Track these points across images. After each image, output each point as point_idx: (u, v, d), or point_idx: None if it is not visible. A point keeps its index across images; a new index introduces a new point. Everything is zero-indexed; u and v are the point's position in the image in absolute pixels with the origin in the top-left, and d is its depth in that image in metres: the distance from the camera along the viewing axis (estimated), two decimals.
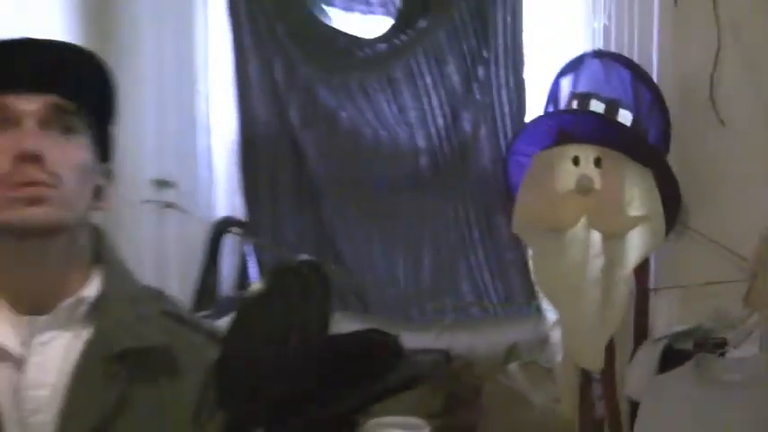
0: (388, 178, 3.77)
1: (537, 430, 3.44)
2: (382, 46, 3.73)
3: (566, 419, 3.38)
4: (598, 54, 3.43)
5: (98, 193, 2.04)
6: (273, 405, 3.29)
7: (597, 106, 3.29)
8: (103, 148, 2.09)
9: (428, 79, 3.67)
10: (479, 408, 3.43)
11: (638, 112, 3.32)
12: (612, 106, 3.28)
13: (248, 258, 4.00)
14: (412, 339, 3.33)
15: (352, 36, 3.81)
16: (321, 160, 3.83)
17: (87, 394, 1.91)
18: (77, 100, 2.00)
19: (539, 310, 3.52)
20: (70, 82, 2.02)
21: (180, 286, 3.93)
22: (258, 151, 3.94)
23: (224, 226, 3.94)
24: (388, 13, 3.78)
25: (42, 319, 1.93)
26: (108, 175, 2.10)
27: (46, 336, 1.93)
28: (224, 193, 4.10)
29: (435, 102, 3.67)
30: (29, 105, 1.93)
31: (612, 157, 3.18)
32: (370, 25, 3.83)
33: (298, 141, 3.85)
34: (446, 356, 3.52)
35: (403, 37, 3.69)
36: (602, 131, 3.22)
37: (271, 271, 3.68)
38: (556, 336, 3.44)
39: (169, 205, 3.93)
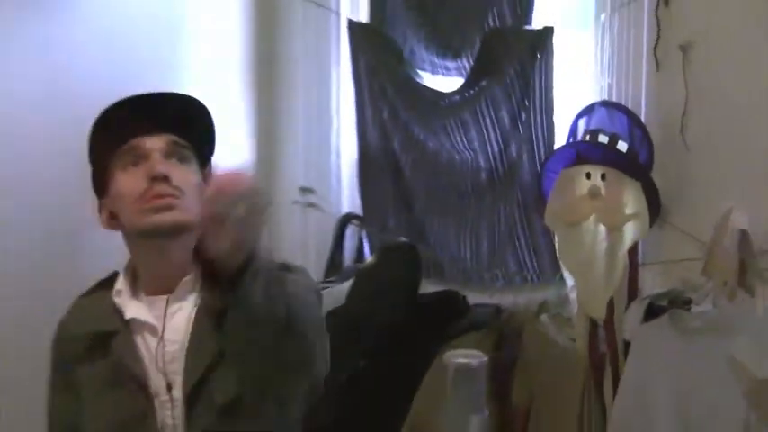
0: (459, 187, 3.86)
1: (559, 362, 3.44)
2: (456, 98, 3.81)
3: (579, 353, 3.42)
4: (604, 103, 3.57)
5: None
6: (381, 340, 3.47)
7: (603, 139, 3.40)
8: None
9: (487, 120, 3.74)
10: (520, 345, 3.47)
11: (632, 143, 3.43)
12: (614, 139, 3.38)
13: (363, 241, 4.15)
14: (474, 298, 3.67)
15: (436, 91, 3.89)
16: (414, 175, 3.93)
17: (202, 341, 2.00)
18: (189, 138, 2.12)
19: (562, 278, 3.63)
20: (184, 125, 2.11)
21: (316, 261, 4.05)
22: (371, 168, 4.05)
23: (347, 219, 4.12)
24: (460, 75, 3.85)
25: (172, 296, 2.04)
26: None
27: (174, 307, 2.03)
28: (347, 196, 4.21)
29: (492, 136, 3.75)
30: (155, 144, 2.03)
31: (614, 174, 3.29)
32: (449, 84, 3.90)
33: (398, 162, 3.97)
34: (497, 310, 3.60)
35: (471, 92, 3.77)
36: (606, 156, 3.33)
37: (379, 249, 3.86)
38: (573, 296, 3.51)
39: (310, 205, 4.06)
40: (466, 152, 3.87)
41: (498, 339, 3.53)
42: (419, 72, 4.00)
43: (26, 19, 3.14)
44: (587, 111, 3.58)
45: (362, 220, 4.11)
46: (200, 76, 3.93)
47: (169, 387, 1.98)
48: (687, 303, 3.16)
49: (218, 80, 4.02)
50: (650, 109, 3.60)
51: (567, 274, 3.58)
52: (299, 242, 4.13)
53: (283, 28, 4.15)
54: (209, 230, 1.78)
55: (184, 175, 2.03)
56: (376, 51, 4.01)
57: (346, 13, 4.16)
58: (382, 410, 3.54)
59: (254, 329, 1.87)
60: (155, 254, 2.05)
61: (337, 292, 3.74)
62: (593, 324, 3.42)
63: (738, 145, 3.33)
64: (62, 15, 3.37)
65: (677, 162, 3.49)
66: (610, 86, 3.67)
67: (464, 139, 3.86)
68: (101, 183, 2.11)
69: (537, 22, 3.80)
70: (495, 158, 3.82)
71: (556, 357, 3.48)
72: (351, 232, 4.12)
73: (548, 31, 3.72)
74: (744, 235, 3.03)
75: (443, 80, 4.00)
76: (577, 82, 3.78)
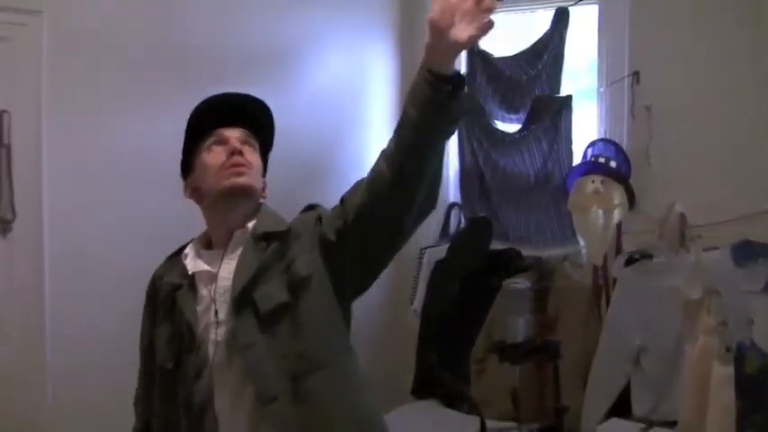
0: (517, 187, 3.92)
1: (575, 289, 3.62)
2: (516, 135, 3.88)
3: (586, 284, 3.63)
4: (602, 139, 3.72)
5: (263, 189, 1.89)
6: (467, 274, 3.69)
7: (602, 160, 3.59)
8: (264, 165, 1.93)
9: (535, 149, 3.83)
10: (551, 279, 3.63)
11: (618, 162, 3.57)
12: (608, 160, 3.58)
13: (461, 218, 4.21)
14: (525, 252, 3.80)
15: (504, 131, 3.98)
16: (491, 180, 3.99)
17: (247, 262, 1.74)
18: (255, 130, 1.89)
19: (577, 241, 3.74)
20: (253, 120, 1.89)
21: (434, 230, 4.14)
22: (466, 176, 4.12)
23: (452, 206, 4.21)
24: (519, 122, 3.94)
25: (229, 246, 1.78)
26: (265, 184, 1.91)
27: (230, 256, 1.78)
28: (452, 192, 4.27)
29: (537, 158, 3.84)
30: (232, 133, 1.83)
31: (608, 180, 3.52)
32: (511, 127, 3.98)
33: (482, 172, 4.02)
34: (539, 259, 3.74)
35: (525, 132, 3.84)
36: (604, 170, 3.53)
37: (468, 221, 4.08)
38: (584, 251, 3.71)
39: None
40: (521, 167, 3.95)
41: (539, 276, 3.68)
42: (495, 121, 4.08)
43: (264, 92, 3.42)
44: (592, 144, 3.73)
45: (461, 206, 4.18)
46: (377, 125, 4.10)
47: (216, 312, 1.74)
48: (650, 256, 3.33)
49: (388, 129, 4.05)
50: (629, 142, 3.67)
51: (580, 239, 3.71)
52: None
53: None
54: (474, 18, 1.39)
55: (252, 156, 1.86)
56: (469, 108, 4.03)
57: None
58: (470, 316, 3.70)
59: (450, 125, 1.56)
60: (224, 212, 1.82)
61: (444, 248, 3.91)
62: (595, 268, 3.62)
63: (679, 163, 3.53)
64: (285, 88, 3.56)
65: (644, 174, 3.62)
66: (606, 130, 3.74)
67: (520, 159, 3.95)
68: (187, 164, 1.91)
69: (563, 92, 3.89)
70: (538, 171, 3.88)
71: (573, 287, 3.65)
72: (454, 213, 4.20)
73: (569, 98, 3.82)
74: (682, 216, 3.22)
75: (508, 125, 4.07)
76: (587, 128, 3.85)
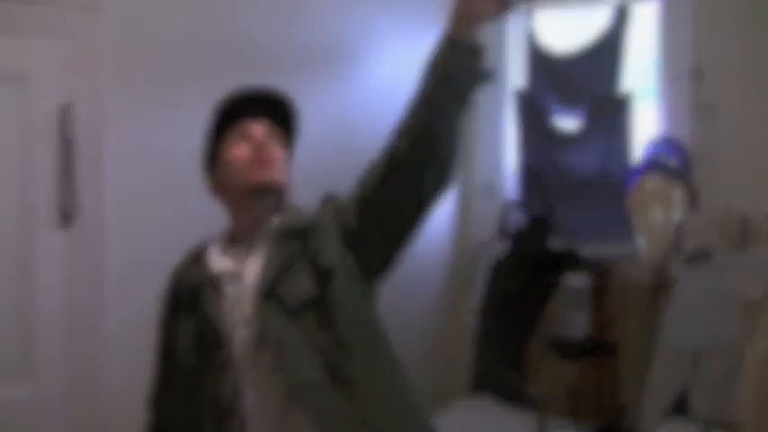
0: (577, 185, 3.90)
1: (634, 288, 3.59)
2: (576, 133, 3.89)
3: (646, 282, 3.54)
4: (664, 138, 3.65)
5: (288, 185, 1.83)
6: (526, 272, 3.71)
7: (663, 158, 3.50)
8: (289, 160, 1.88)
9: (594, 147, 3.81)
10: (609, 277, 3.58)
11: (679, 161, 3.51)
12: (669, 159, 3.50)
13: (521, 215, 4.12)
14: (584, 250, 3.79)
15: (563, 130, 3.98)
16: (550, 177, 3.99)
17: (273, 258, 1.70)
18: (281, 124, 1.84)
19: (637, 240, 3.59)
20: (278, 113, 1.84)
21: (492, 227, 4.12)
22: (525, 174, 4.13)
23: (512, 203, 4.18)
24: (577, 117, 3.91)
25: (254, 245, 1.74)
26: (290, 179, 1.87)
27: (254, 254, 1.73)
28: (509, 189, 4.28)
29: (597, 155, 3.82)
30: (257, 127, 1.79)
31: (669, 178, 3.43)
32: (572, 123, 3.94)
33: (542, 171, 4.03)
34: (596, 257, 3.70)
35: (585, 130, 3.84)
36: (664, 168, 3.47)
37: (527, 220, 4.03)
38: (643, 250, 3.55)
39: (492, 194, 4.17)
40: (581, 165, 3.94)
41: (598, 274, 3.66)
42: (553, 116, 4.07)
43: (325, 89, 3.40)
44: (653, 142, 3.68)
45: (518, 204, 4.19)
46: None
47: (242, 311, 1.69)
48: (710, 255, 3.31)
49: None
50: (691, 140, 3.62)
51: (639, 238, 3.60)
52: (484, 214, 4.18)
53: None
54: None
55: (278, 150, 1.81)
56: (529, 105, 4.12)
57: (514, 86, 4.20)
58: (528, 313, 3.72)
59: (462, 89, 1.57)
60: (249, 208, 1.78)
61: (502, 246, 3.95)
62: (655, 267, 3.53)
63: (741, 162, 3.49)
64: (346, 85, 3.61)
65: (705, 172, 3.56)
66: (668, 128, 3.71)
67: (580, 158, 3.94)
68: (210, 158, 1.86)
69: (623, 90, 3.85)
70: (598, 169, 3.88)
71: (632, 286, 3.63)
72: (512, 211, 4.16)
73: (629, 96, 3.81)
74: (744, 215, 3.27)
75: (566, 120, 4.05)
76: (648, 126, 3.82)
